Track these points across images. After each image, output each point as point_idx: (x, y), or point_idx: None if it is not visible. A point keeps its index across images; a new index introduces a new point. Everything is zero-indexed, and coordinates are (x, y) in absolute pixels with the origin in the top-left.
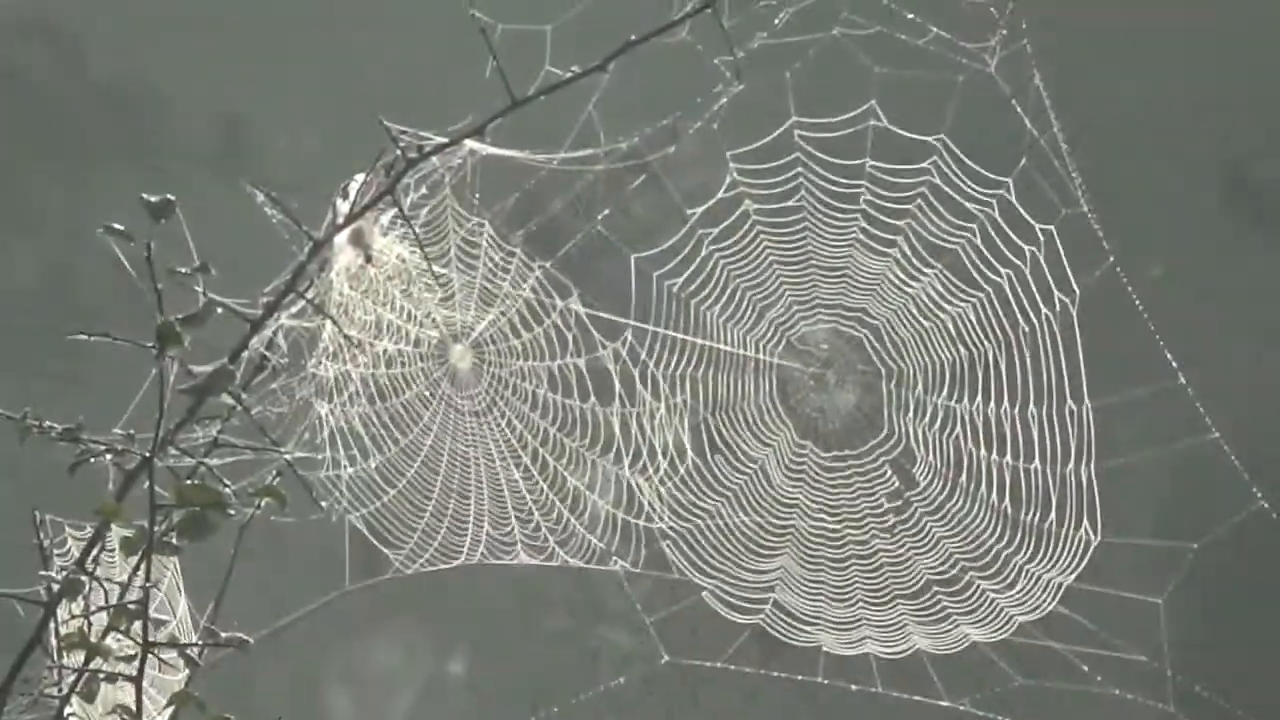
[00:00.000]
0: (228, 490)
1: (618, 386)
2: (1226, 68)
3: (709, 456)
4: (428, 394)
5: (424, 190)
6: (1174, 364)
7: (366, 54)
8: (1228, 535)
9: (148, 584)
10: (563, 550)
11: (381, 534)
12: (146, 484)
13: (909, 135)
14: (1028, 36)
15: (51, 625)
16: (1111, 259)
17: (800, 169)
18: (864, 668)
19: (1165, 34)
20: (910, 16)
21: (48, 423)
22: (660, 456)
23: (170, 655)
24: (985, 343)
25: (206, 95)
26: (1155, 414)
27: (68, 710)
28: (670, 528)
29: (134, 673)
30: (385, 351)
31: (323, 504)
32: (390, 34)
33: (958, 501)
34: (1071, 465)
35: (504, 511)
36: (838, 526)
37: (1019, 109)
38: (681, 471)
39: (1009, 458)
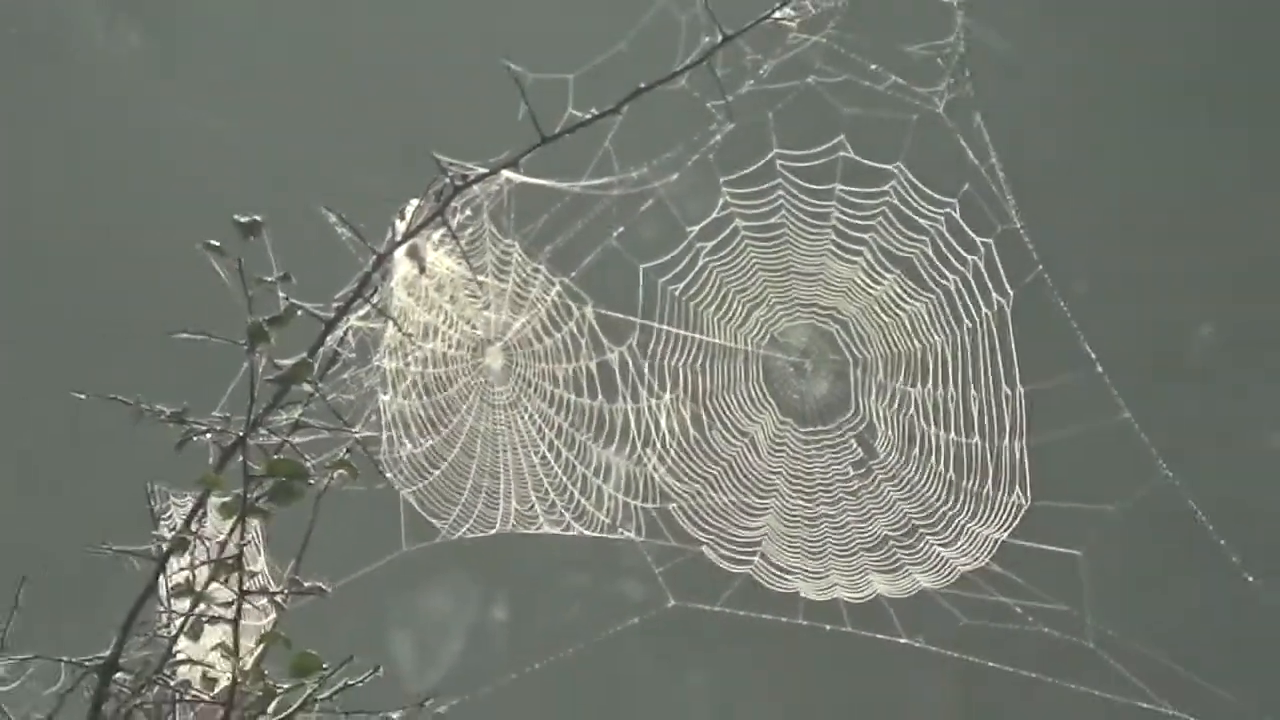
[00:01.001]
0: (308, 463)
1: (620, 385)
2: (1146, 115)
3: (707, 432)
4: (466, 389)
5: (468, 212)
6: (1093, 355)
7: (417, 97)
8: (1138, 502)
9: (242, 542)
10: (577, 524)
11: (429, 507)
12: (240, 458)
13: (872, 164)
14: (971, 82)
15: (162, 577)
16: (1040, 267)
17: (781, 192)
18: (834, 610)
19: (1088, 79)
20: (873, 67)
21: (158, 406)
22: (668, 435)
23: (261, 601)
24: (935, 336)
25: (283, 140)
26: (1077, 398)
27: (176, 648)
28: (675, 493)
29: (231, 615)
30: (434, 351)
31: (387, 476)
32: (438, 80)
33: (911, 470)
34: (1006, 440)
35: (525, 491)
36: (812, 491)
37: (963, 142)
38: (687, 445)
39: (954, 433)
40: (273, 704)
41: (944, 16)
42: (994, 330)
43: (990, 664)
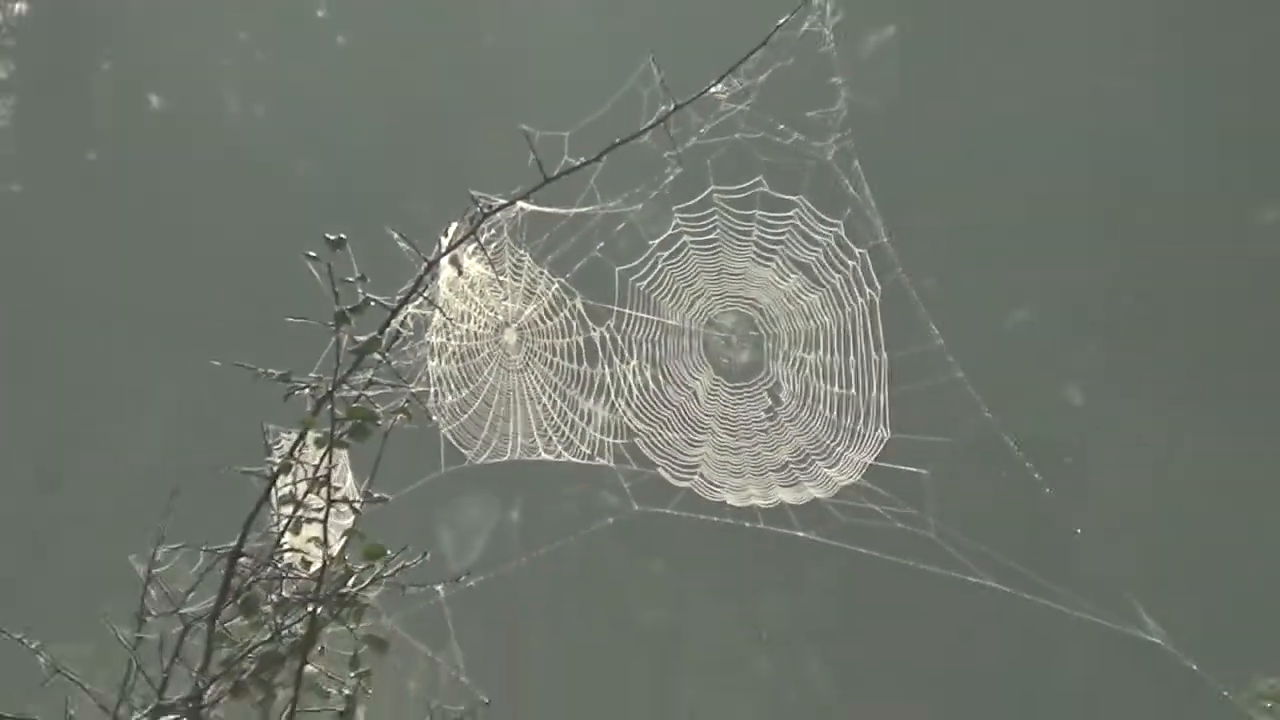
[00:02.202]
0: (377, 410)
1: (600, 354)
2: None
3: (662, 387)
4: (489, 358)
5: (493, 231)
6: (936, 332)
7: (458, 147)
8: (966, 435)
9: (330, 465)
10: (567, 453)
11: (461, 441)
12: (329, 407)
13: (781, 196)
14: (851, 138)
15: (273, 490)
16: (900, 269)
17: (716, 216)
18: (751, 513)
19: (933, 132)
20: (781, 127)
21: (270, 370)
22: (634, 389)
23: (343, 507)
24: (825, 318)
25: (359, 178)
26: (924, 362)
27: (283, 540)
28: (638, 431)
29: (321, 517)
30: (467, 330)
31: (432, 419)
32: (473, 134)
33: (806, 414)
34: (874, 392)
35: (529, 430)
36: (736, 429)
37: (845, 181)
38: (647, 397)
39: (836, 387)
40: (351, 580)
41: (831, 90)
42: (867, 314)
43: (861, 550)
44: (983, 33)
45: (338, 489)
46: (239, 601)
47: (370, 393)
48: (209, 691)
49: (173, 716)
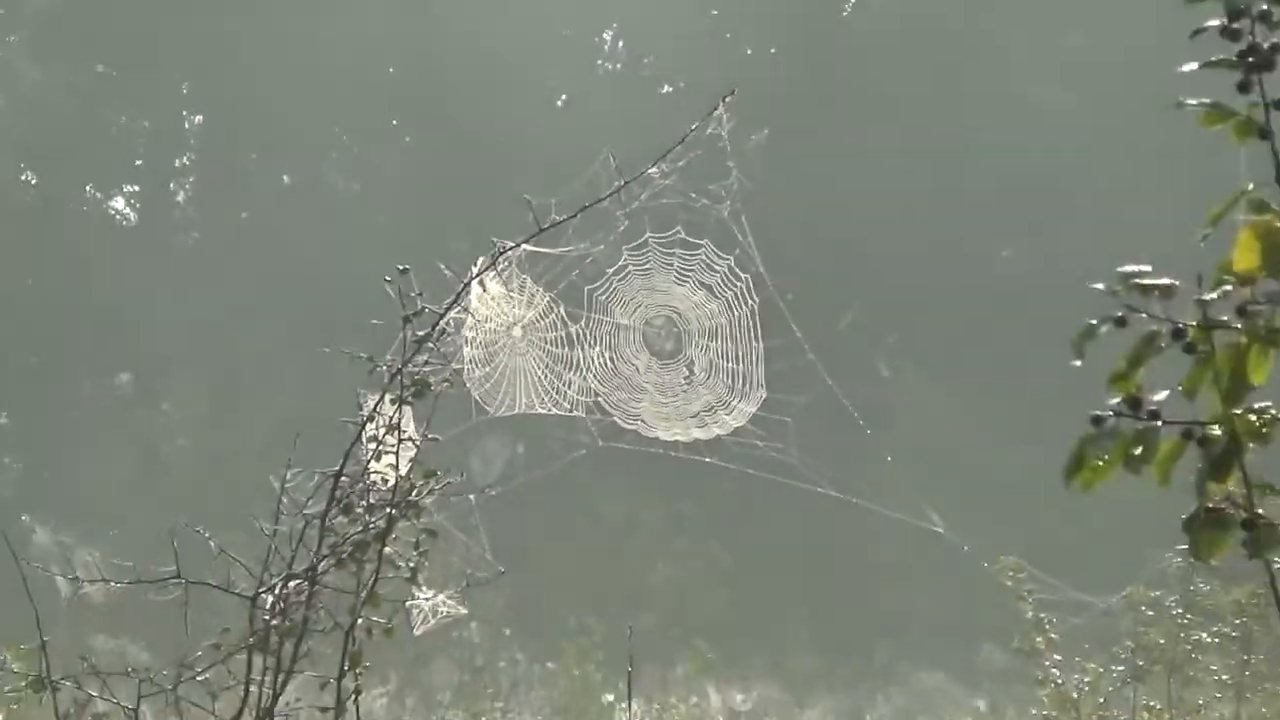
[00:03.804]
0: (430, 380)
1: (576, 343)
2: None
3: (616, 364)
4: (503, 346)
5: (505, 262)
6: (795, 329)
7: (482, 205)
8: (814, 394)
9: (400, 415)
10: (555, 409)
11: (486, 400)
12: (400, 378)
13: (693, 240)
14: (740, 200)
15: (363, 432)
16: (770, 287)
17: (651, 253)
18: (676, 446)
19: (800, 191)
20: (692, 194)
21: (362, 354)
22: (598, 366)
23: (409, 443)
24: (722, 319)
25: (414, 224)
26: (787, 348)
27: (370, 466)
28: (601, 393)
29: (394, 450)
30: (489, 328)
31: (466, 385)
32: (491, 194)
33: (711, 380)
34: (755, 367)
35: (529, 393)
36: (664, 391)
37: (735, 230)
38: (607, 371)
39: (731, 364)
40: (413, 491)
41: (726, 171)
42: (749, 317)
43: (749, 471)
44: (826, 133)
45: (405, 432)
46: (341, 506)
47: (425, 368)
48: (321, 565)
49: (297, 581)
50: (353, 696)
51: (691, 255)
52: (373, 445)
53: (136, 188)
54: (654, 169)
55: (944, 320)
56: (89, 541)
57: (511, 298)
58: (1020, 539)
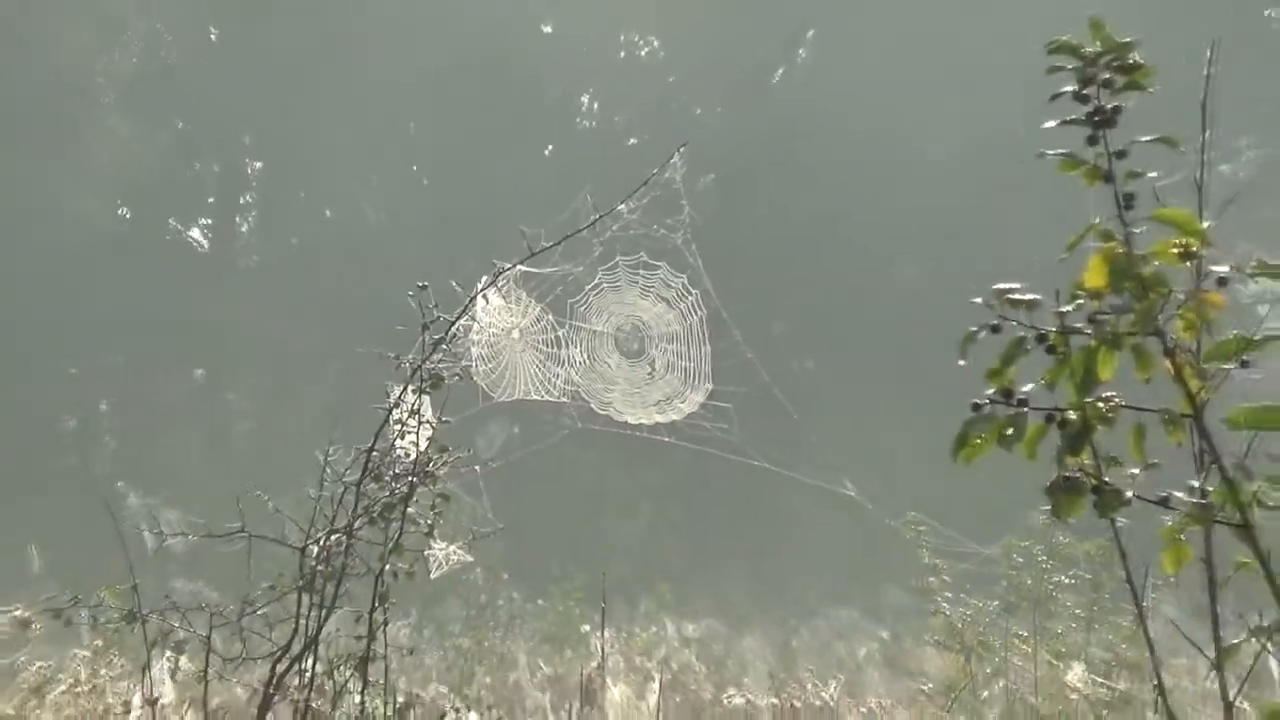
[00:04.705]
0: (445, 373)
1: (563, 344)
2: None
3: (594, 361)
4: (505, 345)
5: (505, 279)
6: (736, 333)
7: (489, 235)
8: (751, 388)
9: (420, 403)
10: (547, 396)
11: (491, 388)
12: (419, 371)
13: (654, 262)
14: (691, 231)
15: (389, 417)
16: (717, 302)
17: (620, 273)
18: (642, 428)
19: (749, 222)
20: (655, 226)
21: (389, 353)
22: (578, 363)
23: (427, 424)
24: (677, 326)
25: (432, 247)
26: (731, 348)
27: (396, 442)
28: (580, 385)
29: (415, 430)
30: (493, 331)
31: (474, 377)
32: (495, 225)
33: (669, 375)
34: (704, 365)
35: (527, 382)
36: (632, 383)
37: (688, 255)
38: (585, 367)
39: (686, 362)
40: (430, 463)
41: (679, 208)
42: (699, 325)
43: (700, 448)
44: (760, 176)
45: (424, 416)
46: (372, 475)
47: (440, 365)
48: (357, 523)
49: (337, 535)
50: (381, 627)
51: (652, 275)
52: (398, 427)
53: (209, 220)
54: (623, 205)
55: (856, 326)
56: (171, 504)
57: (510, 308)
58: (917, 501)
